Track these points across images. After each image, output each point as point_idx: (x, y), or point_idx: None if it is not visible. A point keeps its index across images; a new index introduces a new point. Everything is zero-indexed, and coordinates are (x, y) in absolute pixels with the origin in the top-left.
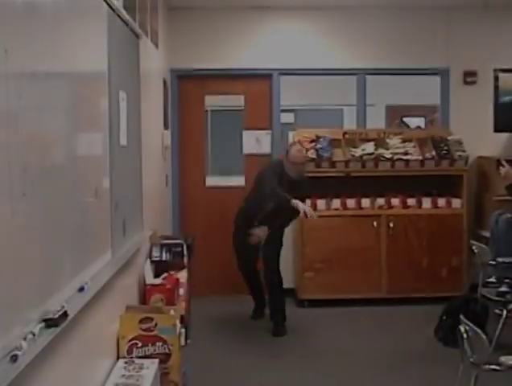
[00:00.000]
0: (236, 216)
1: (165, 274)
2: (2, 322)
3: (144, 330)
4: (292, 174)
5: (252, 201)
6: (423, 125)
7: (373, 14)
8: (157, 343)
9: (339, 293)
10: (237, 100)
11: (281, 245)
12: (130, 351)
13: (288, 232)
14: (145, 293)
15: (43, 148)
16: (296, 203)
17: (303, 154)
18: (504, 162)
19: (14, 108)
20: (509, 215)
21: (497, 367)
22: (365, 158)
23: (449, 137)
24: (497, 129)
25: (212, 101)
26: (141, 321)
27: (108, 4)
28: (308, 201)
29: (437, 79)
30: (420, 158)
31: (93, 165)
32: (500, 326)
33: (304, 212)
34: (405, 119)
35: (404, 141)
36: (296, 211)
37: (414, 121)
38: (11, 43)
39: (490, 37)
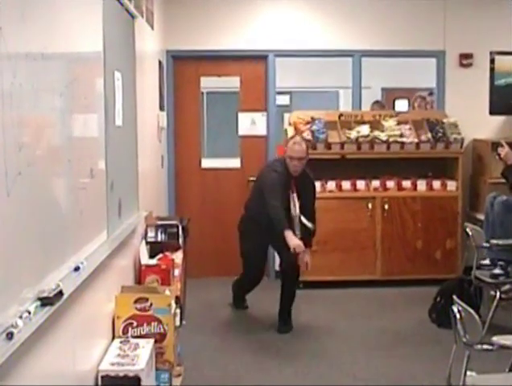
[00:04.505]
0: (240, 224)
1: (160, 255)
2: None
3: (139, 310)
4: (293, 172)
5: (255, 209)
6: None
7: None
8: (152, 323)
9: (334, 275)
10: (232, 82)
11: None
12: (125, 331)
13: None
14: (140, 273)
15: (39, 128)
16: (289, 236)
17: (301, 148)
18: (504, 143)
19: (9, 88)
20: (504, 198)
21: (490, 347)
22: (360, 140)
23: (445, 120)
24: (492, 112)
25: (208, 83)
26: (136, 301)
27: None
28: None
29: (433, 61)
30: (416, 140)
31: (89, 145)
32: (493, 307)
33: (294, 249)
34: (397, 102)
35: (399, 123)
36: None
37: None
38: (6, 21)
39: (487, 19)
